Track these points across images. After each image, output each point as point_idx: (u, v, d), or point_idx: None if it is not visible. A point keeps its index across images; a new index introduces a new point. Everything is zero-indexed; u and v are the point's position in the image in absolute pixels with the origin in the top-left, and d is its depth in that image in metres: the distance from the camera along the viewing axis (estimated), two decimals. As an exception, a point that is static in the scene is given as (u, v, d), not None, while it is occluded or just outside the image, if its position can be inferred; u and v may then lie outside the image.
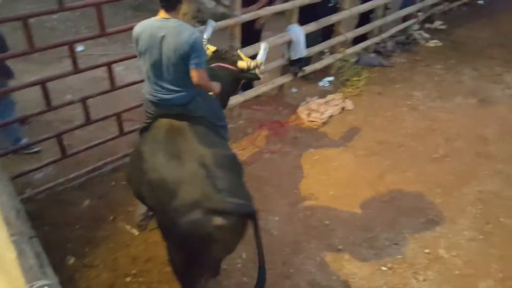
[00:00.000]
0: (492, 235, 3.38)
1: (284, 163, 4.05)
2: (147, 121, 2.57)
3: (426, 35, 6.80)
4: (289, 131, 4.47)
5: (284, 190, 3.70)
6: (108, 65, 3.34)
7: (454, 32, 7.08)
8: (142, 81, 3.66)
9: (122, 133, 3.68)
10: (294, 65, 4.82)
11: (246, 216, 2.12)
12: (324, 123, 4.59)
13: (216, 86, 2.66)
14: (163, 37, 2.28)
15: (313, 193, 3.69)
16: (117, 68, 3.42)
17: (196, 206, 2.03)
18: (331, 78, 5.54)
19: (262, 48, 3.10)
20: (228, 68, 3.00)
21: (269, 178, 3.83)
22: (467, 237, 3.34)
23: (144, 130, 2.60)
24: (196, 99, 2.50)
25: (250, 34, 4.42)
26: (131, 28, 2.45)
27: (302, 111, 4.68)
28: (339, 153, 4.21)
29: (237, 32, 4.11)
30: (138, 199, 2.61)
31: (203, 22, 3.57)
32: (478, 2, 8.52)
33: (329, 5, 5.16)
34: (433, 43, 6.67)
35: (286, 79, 4.98)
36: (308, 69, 5.12)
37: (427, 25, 7.21)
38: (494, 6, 8.35)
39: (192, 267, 2.22)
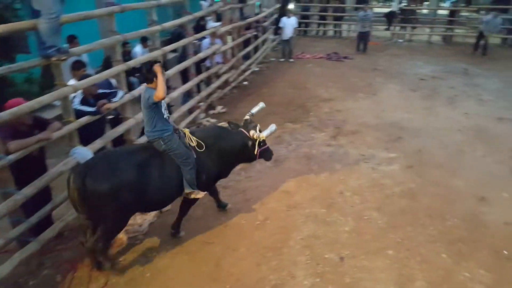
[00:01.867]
0: (325, 273, 3.76)
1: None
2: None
3: (213, 120, 7.59)
4: (110, 258, 4.02)
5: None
6: None
7: (234, 112, 8.14)
8: None
9: None
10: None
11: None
12: (146, 234, 4.36)
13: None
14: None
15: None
16: None
17: None
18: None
19: (270, 128, 4.45)
20: (244, 132, 4.34)
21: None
22: (308, 285, 3.61)
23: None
24: (159, 142, 3.74)
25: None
26: None
27: (119, 230, 4.34)
28: (172, 258, 4.02)
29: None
30: None
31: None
32: (244, 83, 10.14)
33: (109, 117, 5.06)
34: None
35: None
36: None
37: (211, 112, 8.09)
38: (256, 84, 10.11)
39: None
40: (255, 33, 10.88)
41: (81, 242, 3.76)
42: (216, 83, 8.24)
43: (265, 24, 12.19)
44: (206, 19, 7.74)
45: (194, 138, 4.01)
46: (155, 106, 3.61)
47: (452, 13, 15.40)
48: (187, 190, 3.88)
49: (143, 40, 7.74)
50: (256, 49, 11.65)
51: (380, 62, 12.08)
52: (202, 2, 7.32)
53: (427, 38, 15.23)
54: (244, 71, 10.38)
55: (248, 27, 10.32)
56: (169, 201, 4.04)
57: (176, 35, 8.67)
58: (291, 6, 15.08)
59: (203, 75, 7.49)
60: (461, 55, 13.21)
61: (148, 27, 5.81)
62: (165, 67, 6.56)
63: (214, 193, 4.64)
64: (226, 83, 8.98)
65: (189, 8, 6.96)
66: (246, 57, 10.71)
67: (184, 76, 7.39)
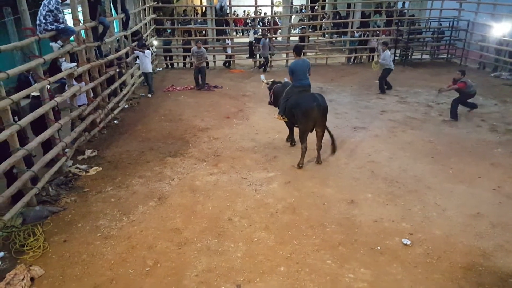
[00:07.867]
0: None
1: None
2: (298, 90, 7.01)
3: (83, 166, 6.96)
4: None
5: None
6: None
7: (107, 153, 7.61)
8: None
9: None
10: None
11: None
12: None
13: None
14: (301, 64, 6.94)
15: None
16: None
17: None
18: (1, 254, 4.65)
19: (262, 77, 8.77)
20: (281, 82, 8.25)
21: None
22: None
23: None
24: (310, 86, 7.13)
25: None
26: None
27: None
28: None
29: None
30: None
31: None
32: (114, 122, 9.60)
33: None
34: (93, 170, 6.87)
35: None
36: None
37: (80, 157, 7.40)
38: (129, 121, 9.66)
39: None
40: (118, 69, 10.48)
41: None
42: (82, 126, 7.62)
43: (128, 59, 11.84)
44: (60, 61, 7.17)
45: None
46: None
47: (302, 39, 17.28)
48: None
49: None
50: (123, 85, 11.21)
51: (247, 88, 12.78)
52: (52, 44, 6.77)
53: (284, 63, 16.74)
54: (113, 109, 9.85)
55: (110, 64, 9.89)
56: None
57: (22, 80, 7.85)
58: (154, 41, 15.01)
59: (63, 120, 6.85)
60: (314, 75, 14.79)
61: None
62: (18, 115, 5.84)
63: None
64: (93, 124, 8.38)
65: (37, 51, 6.36)
66: (113, 95, 10.21)
67: (43, 123, 6.64)
